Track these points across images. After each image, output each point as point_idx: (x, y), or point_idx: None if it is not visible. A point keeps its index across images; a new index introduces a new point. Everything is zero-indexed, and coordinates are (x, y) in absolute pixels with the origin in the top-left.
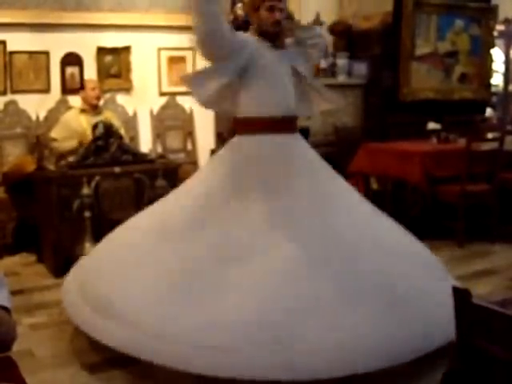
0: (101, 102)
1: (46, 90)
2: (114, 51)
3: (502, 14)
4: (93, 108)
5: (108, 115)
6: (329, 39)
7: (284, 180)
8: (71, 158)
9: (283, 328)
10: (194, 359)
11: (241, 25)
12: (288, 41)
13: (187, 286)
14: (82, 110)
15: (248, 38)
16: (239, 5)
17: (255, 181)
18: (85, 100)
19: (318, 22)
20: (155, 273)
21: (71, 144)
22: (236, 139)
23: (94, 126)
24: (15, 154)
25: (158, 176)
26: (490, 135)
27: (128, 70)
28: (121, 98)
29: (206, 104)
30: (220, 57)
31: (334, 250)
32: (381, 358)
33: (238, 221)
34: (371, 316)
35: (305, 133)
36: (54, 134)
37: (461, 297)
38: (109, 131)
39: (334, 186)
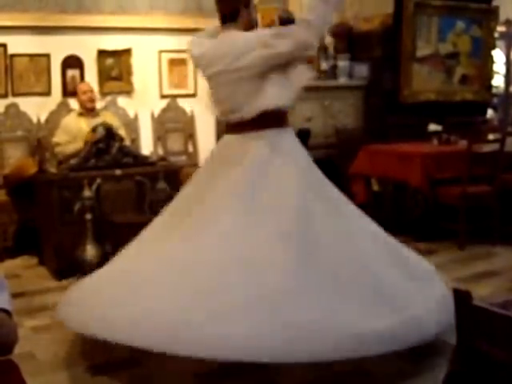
0: (97, 104)
1: (47, 92)
2: (114, 54)
3: (503, 15)
4: (89, 111)
5: (107, 116)
6: (329, 40)
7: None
8: (72, 161)
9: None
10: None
11: None
12: None
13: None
14: (80, 114)
15: None
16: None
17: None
18: (80, 104)
19: None
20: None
21: (74, 146)
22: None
23: (93, 130)
24: (16, 157)
25: (159, 178)
26: (491, 137)
27: (129, 72)
28: (122, 101)
29: None
30: None
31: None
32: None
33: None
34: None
35: (305, 135)
36: (56, 138)
37: (462, 298)
38: (109, 133)
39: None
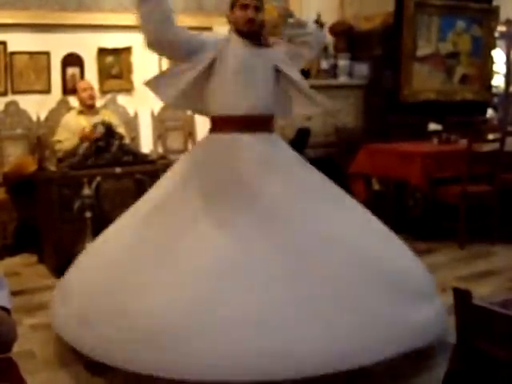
0: (97, 102)
1: (47, 90)
2: (114, 52)
3: (504, 15)
4: (89, 108)
5: (106, 115)
6: (329, 39)
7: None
8: (72, 159)
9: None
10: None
11: None
12: (274, 39)
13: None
14: (80, 112)
15: (213, 38)
16: None
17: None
18: (80, 102)
19: (318, 22)
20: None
21: (72, 143)
22: (205, 137)
23: (93, 128)
24: (16, 155)
25: (159, 176)
26: (491, 136)
27: (129, 70)
28: (122, 99)
29: (173, 104)
30: (178, 59)
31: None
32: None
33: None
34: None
35: (305, 134)
36: (57, 136)
37: (462, 297)
38: (109, 131)
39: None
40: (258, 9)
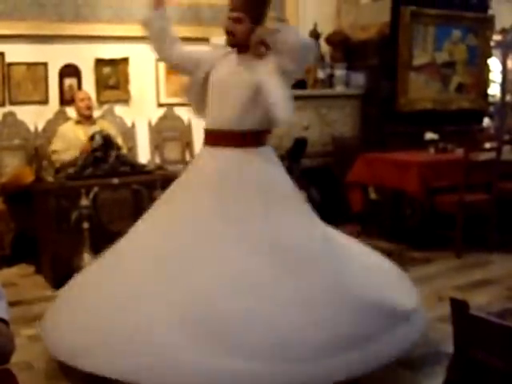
0: (94, 112)
1: (45, 101)
2: (112, 62)
3: (499, 24)
4: (86, 119)
5: (104, 125)
6: (326, 49)
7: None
8: (70, 170)
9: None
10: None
11: None
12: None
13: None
14: (78, 122)
15: (210, 54)
16: None
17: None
18: (77, 112)
19: (314, 32)
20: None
21: (71, 154)
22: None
23: (91, 138)
24: (13, 166)
25: (157, 187)
26: (487, 145)
27: (126, 81)
28: (119, 110)
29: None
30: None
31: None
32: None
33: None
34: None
35: (302, 143)
36: (53, 146)
37: (458, 308)
38: (107, 142)
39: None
40: (240, 20)
